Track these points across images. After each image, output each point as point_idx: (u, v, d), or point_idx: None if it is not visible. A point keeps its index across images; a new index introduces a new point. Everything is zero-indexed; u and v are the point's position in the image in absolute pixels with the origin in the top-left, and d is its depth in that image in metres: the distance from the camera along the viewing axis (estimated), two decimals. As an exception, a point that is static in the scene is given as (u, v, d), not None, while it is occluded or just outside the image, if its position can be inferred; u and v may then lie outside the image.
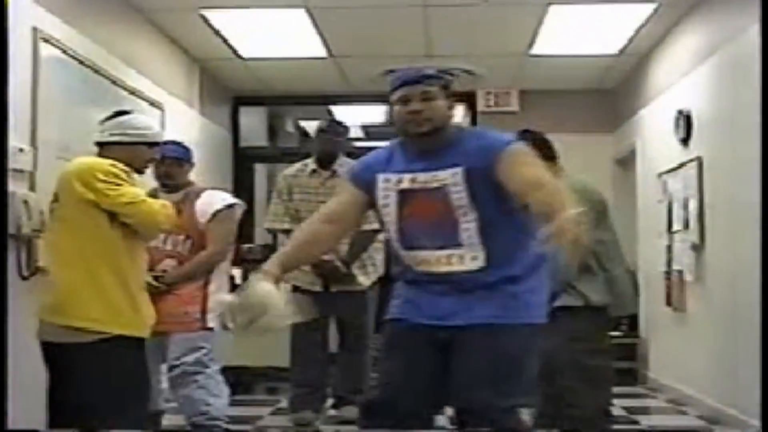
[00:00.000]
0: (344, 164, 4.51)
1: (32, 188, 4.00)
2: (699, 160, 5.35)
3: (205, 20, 5.80)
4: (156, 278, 3.61)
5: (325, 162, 4.61)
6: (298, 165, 4.76)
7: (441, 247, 2.47)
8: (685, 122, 5.60)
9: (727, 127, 4.95)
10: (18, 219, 3.81)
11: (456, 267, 2.46)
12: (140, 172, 3.28)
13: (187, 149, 3.94)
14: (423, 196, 2.47)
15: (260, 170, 8.76)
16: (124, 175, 3.07)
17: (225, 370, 3.90)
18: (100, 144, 3.22)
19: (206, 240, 3.73)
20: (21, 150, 3.90)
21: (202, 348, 3.68)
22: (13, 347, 3.22)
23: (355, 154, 4.55)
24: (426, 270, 2.51)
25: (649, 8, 5.59)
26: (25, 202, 3.87)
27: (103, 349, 3.02)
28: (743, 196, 4.56)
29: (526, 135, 3.85)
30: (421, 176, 2.48)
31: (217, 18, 5.79)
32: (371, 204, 2.59)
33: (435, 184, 2.45)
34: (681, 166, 5.68)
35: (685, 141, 5.63)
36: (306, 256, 2.69)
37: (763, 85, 4.00)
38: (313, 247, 2.62)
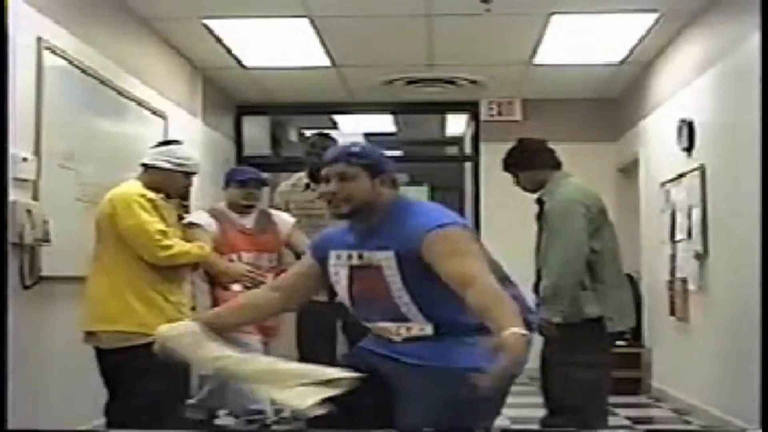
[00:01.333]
0: None
1: (35, 197, 4.00)
2: (702, 169, 5.34)
3: (209, 29, 5.81)
4: None
5: (318, 176, 4.60)
6: (291, 180, 4.78)
7: (392, 320, 2.43)
8: (688, 131, 5.60)
9: (729, 136, 4.95)
10: (21, 228, 3.81)
11: (409, 334, 2.43)
12: (172, 197, 3.70)
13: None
14: (366, 274, 2.42)
15: (263, 179, 8.76)
16: (148, 206, 3.48)
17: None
18: (144, 165, 3.64)
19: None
20: (24, 159, 3.91)
21: None
22: (14, 352, 3.23)
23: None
24: (383, 335, 2.49)
25: (651, 18, 5.59)
26: (29, 211, 3.87)
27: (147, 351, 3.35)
28: (746, 204, 4.55)
29: (521, 144, 3.89)
30: (366, 254, 2.42)
31: (221, 27, 5.81)
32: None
33: (373, 264, 2.40)
34: (684, 175, 5.68)
35: (688, 150, 5.63)
36: (237, 318, 2.64)
37: (763, 93, 4.00)
38: (248, 311, 2.65)
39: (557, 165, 3.78)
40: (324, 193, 2.44)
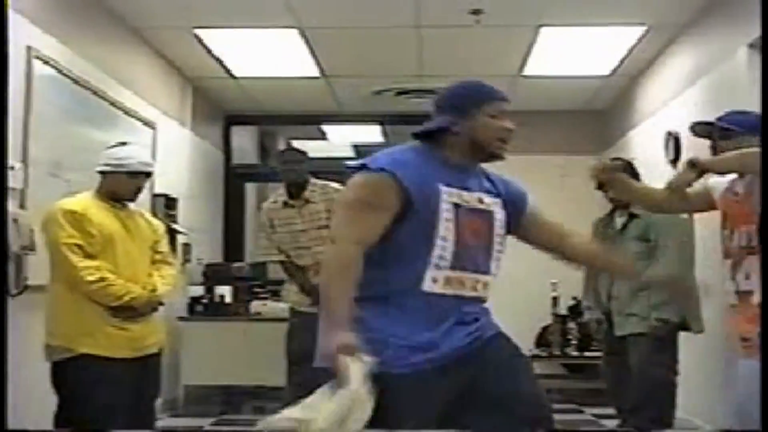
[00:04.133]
0: (316, 188, 4.55)
1: (22, 206, 3.99)
2: (688, 182, 5.37)
3: (199, 39, 5.82)
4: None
5: (295, 191, 4.60)
6: (273, 197, 4.79)
7: (477, 271, 2.30)
8: (674, 143, 5.63)
9: (716, 149, 4.98)
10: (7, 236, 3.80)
11: (484, 291, 2.34)
12: (129, 200, 3.53)
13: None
14: (474, 216, 2.29)
15: (251, 189, 8.76)
16: (62, 220, 3.33)
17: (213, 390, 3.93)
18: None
19: None
20: (12, 167, 3.90)
21: None
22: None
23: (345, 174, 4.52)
24: (453, 293, 2.25)
25: (639, 31, 5.64)
26: (15, 220, 3.85)
27: (69, 367, 3.32)
28: (732, 217, 4.57)
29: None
30: (466, 195, 2.30)
31: (211, 37, 5.82)
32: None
33: (482, 207, 2.32)
34: (671, 187, 5.70)
35: (674, 162, 5.66)
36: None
37: (763, 96, 4.00)
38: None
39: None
40: (502, 129, 2.33)
